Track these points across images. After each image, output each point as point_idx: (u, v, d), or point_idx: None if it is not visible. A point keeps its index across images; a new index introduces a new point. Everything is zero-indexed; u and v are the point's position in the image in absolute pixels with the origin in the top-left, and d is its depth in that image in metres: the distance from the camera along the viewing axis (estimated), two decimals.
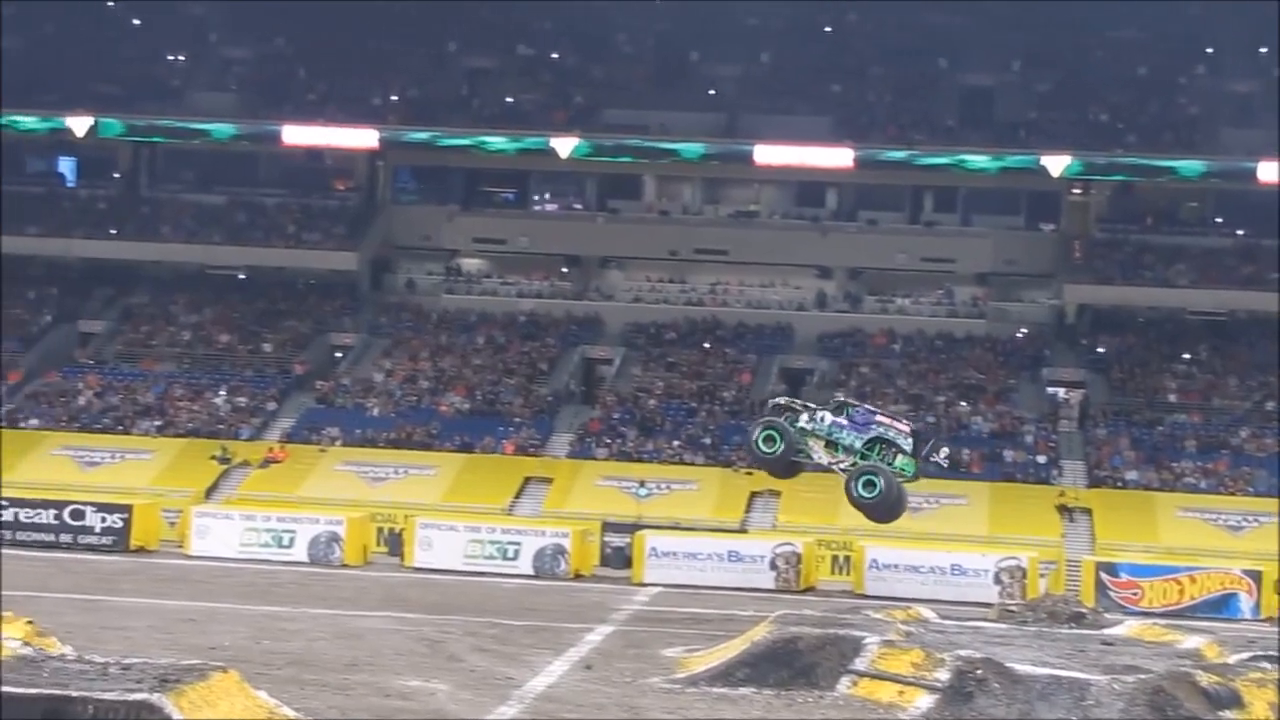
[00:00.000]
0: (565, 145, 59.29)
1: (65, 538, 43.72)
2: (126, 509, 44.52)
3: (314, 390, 57.18)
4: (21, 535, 43.56)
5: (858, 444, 33.57)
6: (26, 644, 22.00)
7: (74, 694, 19.26)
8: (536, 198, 66.90)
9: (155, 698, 19.18)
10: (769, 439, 33.65)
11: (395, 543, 45.13)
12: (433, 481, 50.94)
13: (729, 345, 60.00)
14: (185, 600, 35.43)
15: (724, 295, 62.57)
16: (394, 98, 64.71)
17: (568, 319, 61.95)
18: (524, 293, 63.58)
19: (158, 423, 54.55)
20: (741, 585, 41.88)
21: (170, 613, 33.38)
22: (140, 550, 43.40)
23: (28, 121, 61.61)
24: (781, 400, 35.21)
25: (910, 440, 33.65)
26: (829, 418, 33.85)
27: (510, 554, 43.41)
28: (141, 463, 51.75)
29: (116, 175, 66.90)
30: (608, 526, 46.38)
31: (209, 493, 50.10)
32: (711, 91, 65.81)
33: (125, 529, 43.93)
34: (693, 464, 52.21)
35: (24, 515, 44.10)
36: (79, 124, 60.19)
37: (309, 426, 54.51)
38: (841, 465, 33.29)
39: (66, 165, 67.99)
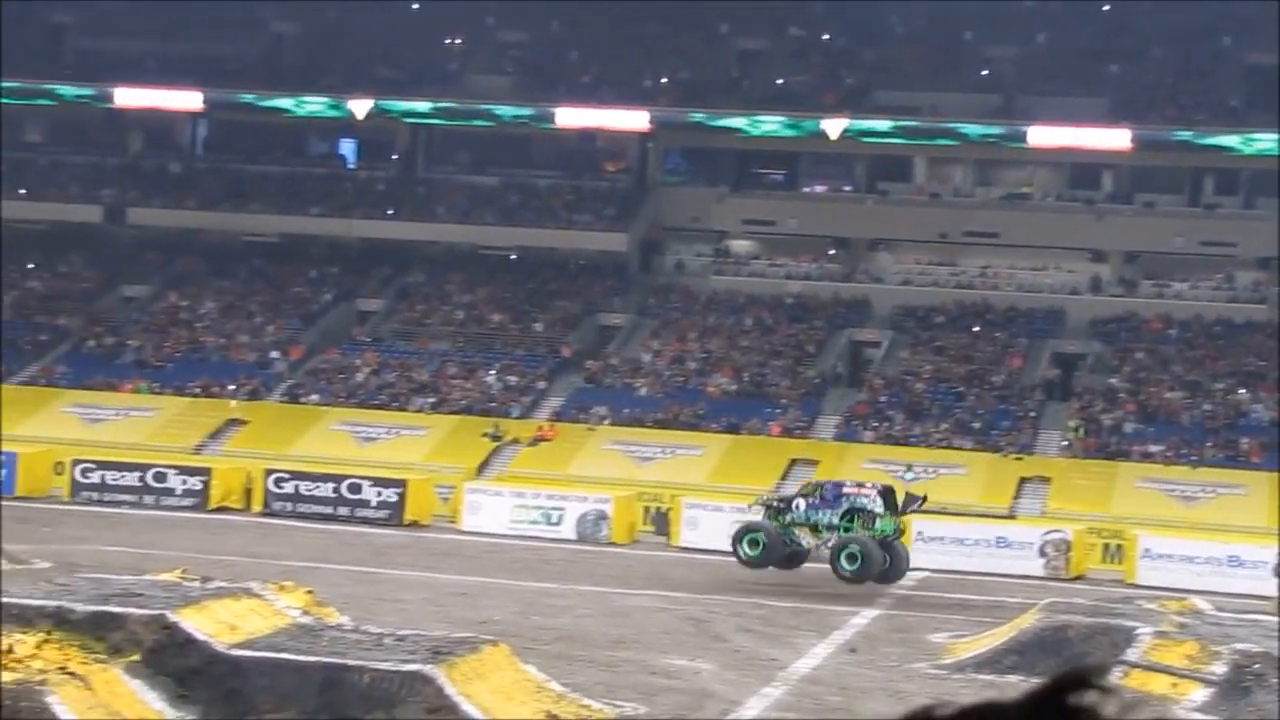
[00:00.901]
0: (836, 127, 59.01)
1: (343, 511, 44.80)
2: (401, 484, 45.49)
3: (583, 370, 57.80)
4: (302, 508, 44.79)
5: (835, 519, 35.72)
6: (306, 613, 22.60)
7: (350, 663, 19.77)
8: (806, 179, 66.74)
9: (428, 669, 19.59)
10: (752, 543, 35.90)
11: (662, 522, 45.40)
12: (699, 461, 51.12)
13: (999, 329, 59.19)
14: (457, 575, 36.11)
15: (994, 279, 61.73)
16: (665, 80, 65.05)
17: (835, 301, 61.70)
18: (792, 275, 63.46)
19: (432, 400, 55.63)
20: (1009, 572, 41.29)
21: (442, 586, 34.05)
22: (414, 525, 44.33)
23: (311, 105, 63.31)
24: (769, 501, 37.37)
25: (880, 501, 36.01)
26: (803, 504, 36.34)
27: None
28: (416, 439, 52.80)
29: (394, 157, 68.39)
30: None
31: (480, 469, 50.94)
32: (985, 73, 64.95)
33: (400, 503, 44.88)
34: (961, 448, 51.62)
35: (304, 488, 45.32)
36: (359, 107, 61.61)
37: (578, 405, 55.12)
38: (829, 544, 35.60)
39: (347, 147, 69.70)
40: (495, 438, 52.61)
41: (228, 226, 65.44)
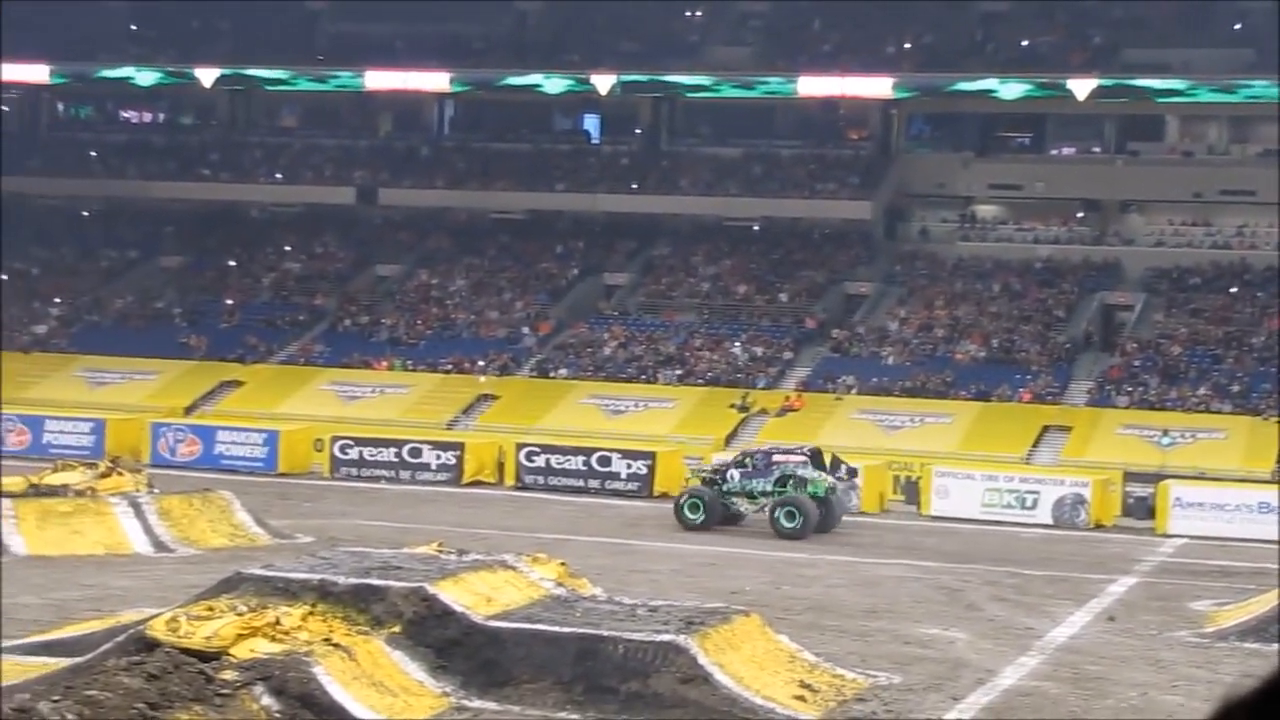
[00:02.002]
0: (1083, 87, 57.89)
1: (593, 483, 45.23)
2: (650, 456, 45.80)
3: (829, 339, 57.61)
4: (553, 480, 45.33)
5: (769, 486, 38.50)
6: (560, 584, 22.89)
7: (605, 633, 19.98)
8: (1053, 142, 65.62)
9: (681, 639, 19.73)
10: (693, 508, 38.71)
11: (911, 490, 45.09)
12: (949, 429, 50.66)
13: (1258, 290, 57.60)
14: (706, 545, 36.26)
15: (1252, 238, 60.09)
16: (907, 45, 64.40)
17: (1085, 265, 60.63)
18: (1040, 239, 62.50)
19: (679, 372, 55.89)
20: (1273, 538, 40.17)
21: (692, 557, 34.22)
22: (664, 496, 44.55)
23: (555, 86, 63.86)
24: (708, 473, 39.95)
25: (809, 464, 38.73)
26: (737, 474, 39.01)
27: (1028, 503, 42.83)
28: (664, 411, 53.09)
29: (638, 131, 68.74)
30: (1129, 476, 45.24)
31: (729, 440, 51.04)
32: (1238, 26, 63.14)
33: (649, 475, 45.19)
34: (1219, 412, 50.41)
35: (555, 461, 45.86)
36: (602, 82, 62.03)
37: (825, 375, 54.96)
38: (766, 509, 38.10)
39: (591, 123, 70.24)
40: (743, 408, 52.70)
41: (475, 204, 66.42)
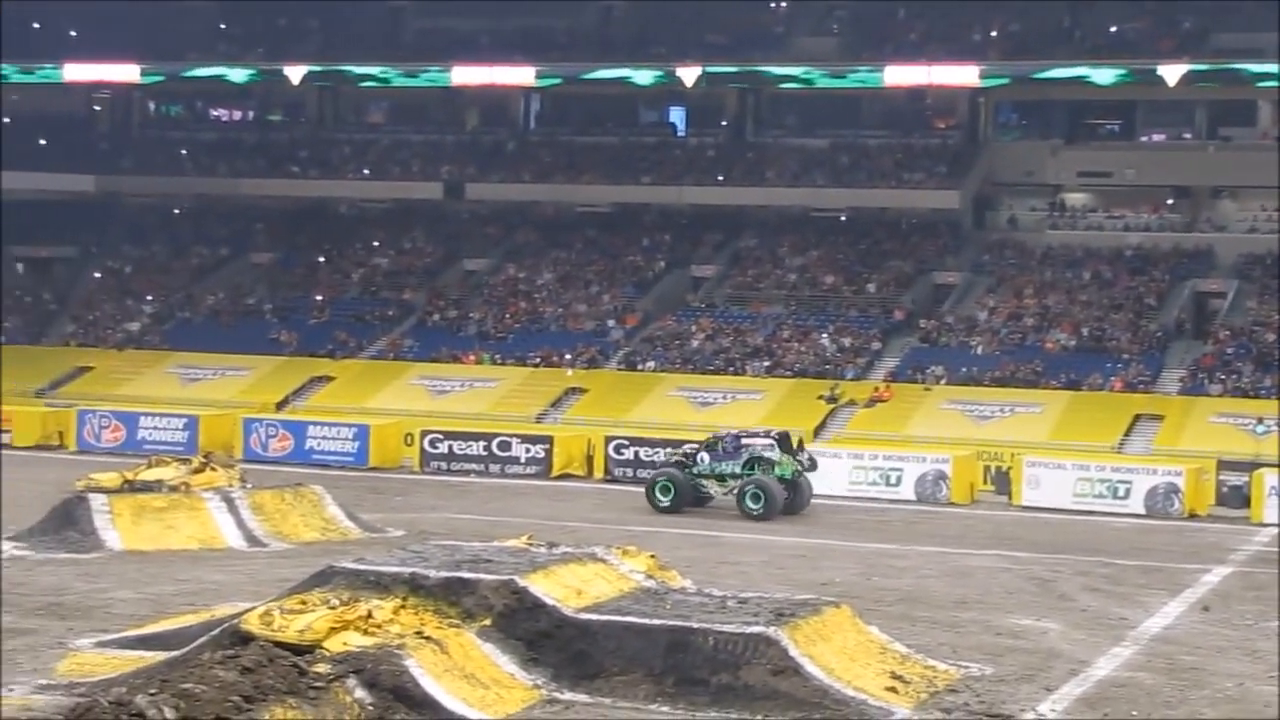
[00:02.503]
0: (1174, 73, 57.27)
1: None
2: None
3: (918, 329, 57.36)
4: (642, 473, 45.19)
5: (737, 469, 39.36)
6: (650, 577, 22.90)
7: (695, 626, 19.98)
8: (1143, 128, 64.99)
9: (772, 631, 19.70)
10: (664, 490, 39.52)
11: (1002, 481, 44.81)
12: (1039, 419, 50.34)
13: None
14: (796, 537, 36.20)
15: None
16: (994, 33, 63.96)
17: (1177, 252, 60.04)
18: (1131, 226, 61.96)
19: (766, 363, 55.83)
20: None
21: (782, 549, 34.17)
22: None
23: (641, 78, 63.88)
24: (679, 456, 40.72)
25: (776, 447, 39.57)
26: (706, 457, 39.88)
27: (1121, 492, 42.47)
28: (752, 402, 53.04)
29: (724, 123, 68.65)
30: (1223, 464, 44.76)
31: (817, 431, 50.94)
32: None
33: None
34: None
35: (643, 454, 45.86)
36: (688, 74, 61.99)
37: (913, 365, 54.73)
38: (734, 491, 39.10)
39: (676, 115, 70.19)
40: (831, 400, 52.57)
41: (562, 198, 66.58)
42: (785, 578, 29.58)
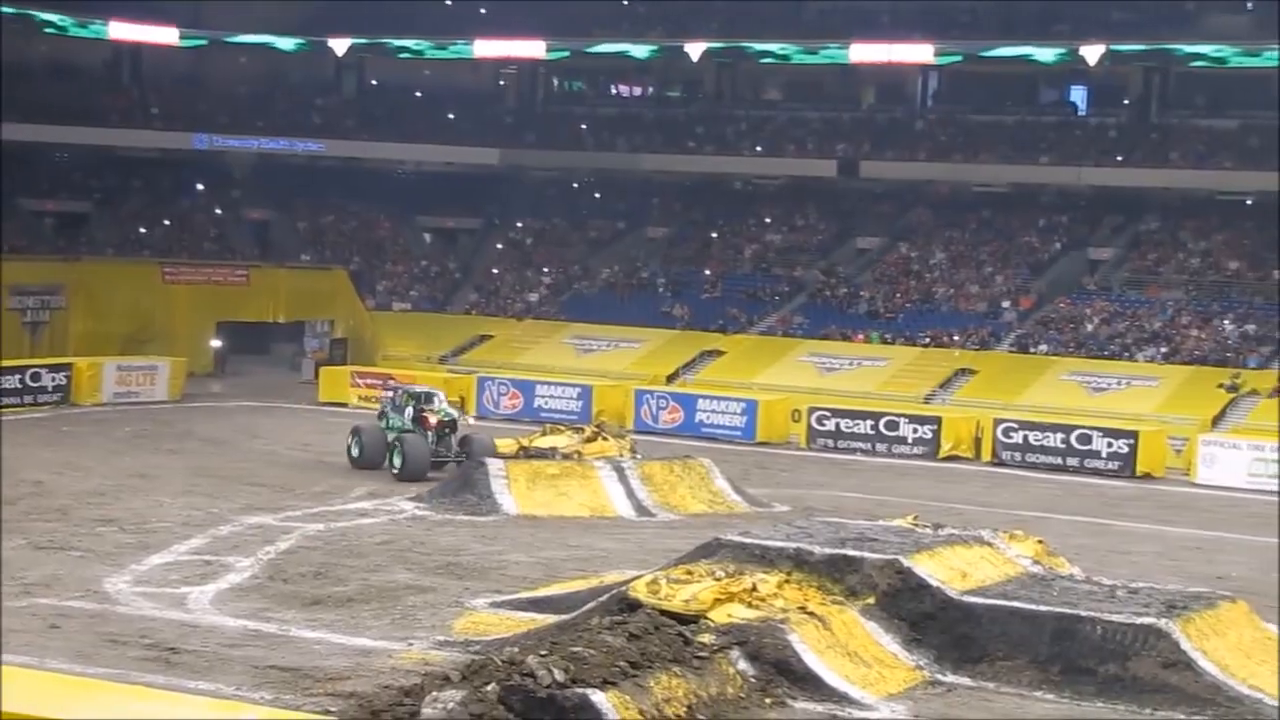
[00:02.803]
0: None
1: (1072, 461, 44.35)
2: (1133, 435, 44.64)
3: None
4: (1031, 457, 44.67)
5: (405, 422, 37.04)
6: (1037, 562, 22.60)
7: (1083, 614, 19.64)
8: None
9: (1163, 623, 19.25)
10: (355, 445, 37.48)
11: None
12: None
13: None
14: (1190, 528, 35.22)
15: None
16: None
17: None
18: None
19: (1163, 349, 54.37)
20: None
21: (1175, 540, 33.30)
22: (1146, 476, 43.45)
23: (1044, 56, 62.82)
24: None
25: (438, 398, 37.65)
26: (388, 408, 37.90)
27: None
28: (1147, 389, 51.73)
29: (1126, 102, 66.99)
30: None
31: (1215, 421, 49.40)
32: None
33: (1131, 455, 44.03)
34: None
35: (1033, 438, 45.17)
36: (1091, 52, 60.61)
37: None
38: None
39: (1078, 94, 68.75)
40: (1232, 389, 50.91)
41: (958, 177, 65.87)
42: (1178, 569, 28.82)
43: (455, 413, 37.38)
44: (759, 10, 67.28)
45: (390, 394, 38.58)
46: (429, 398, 37.33)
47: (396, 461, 35.76)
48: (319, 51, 69.53)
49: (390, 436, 36.63)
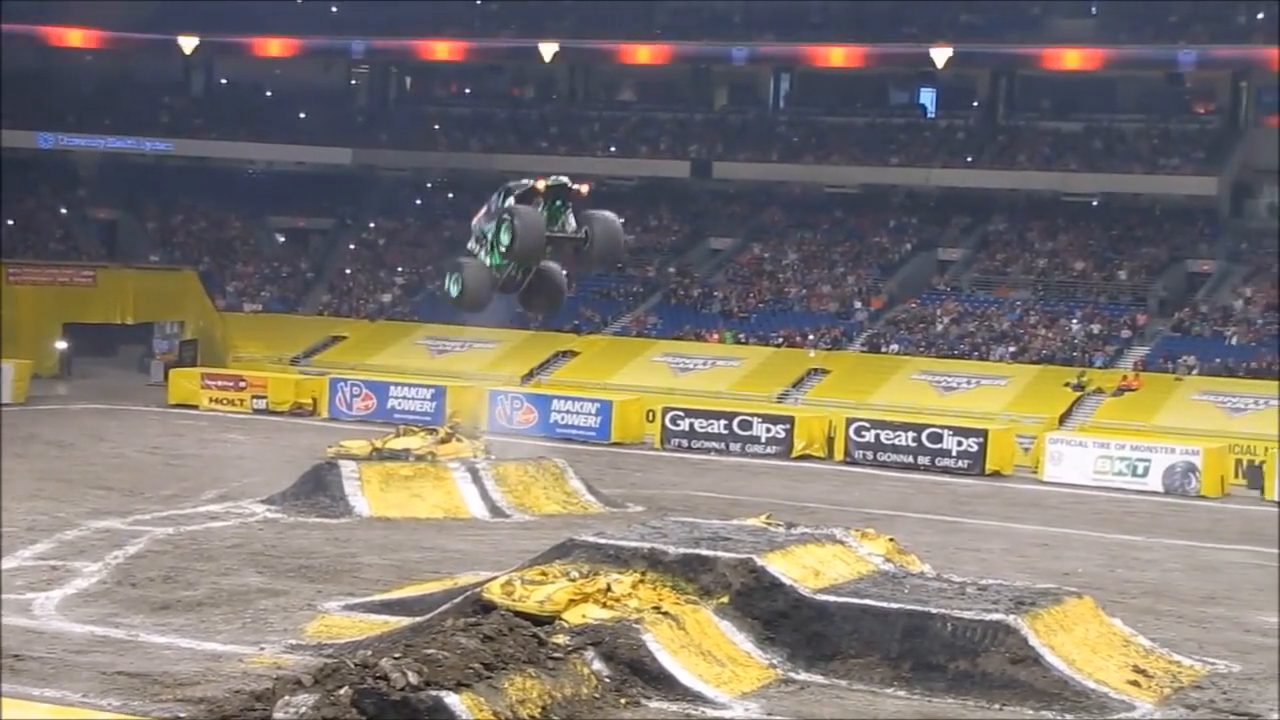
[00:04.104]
0: None
1: (923, 460, 44.85)
2: (982, 433, 45.23)
3: (1170, 318, 56.19)
4: (882, 456, 45.11)
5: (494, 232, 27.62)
6: (888, 560, 22.79)
7: (933, 611, 19.85)
8: None
9: (1011, 619, 19.49)
10: (455, 280, 28.00)
11: (1255, 475, 43.66)
12: None
13: None
14: (1038, 525, 35.72)
15: None
16: (1260, 15, 62.20)
17: None
18: None
19: (1012, 349, 55.14)
20: None
21: (1023, 537, 33.76)
22: (995, 474, 44.04)
23: (892, 55, 63.49)
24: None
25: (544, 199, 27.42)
26: (482, 218, 28.25)
27: None
28: (997, 388, 52.44)
29: (975, 104, 67.86)
30: None
31: (1062, 419, 50.18)
32: None
33: (981, 453, 44.62)
34: None
35: (884, 437, 45.62)
36: (940, 55, 61.34)
37: (1164, 354, 53.62)
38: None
39: (927, 96, 69.56)
40: (1078, 387, 51.75)
41: (809, 178, 66.39)
42: (1026, 566, 29.23)
43: (565, 178, 27.90)
44: (612, 10, 67.37)
45: (481, 211, 28.41)
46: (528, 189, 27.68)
47: (504, 237, 26.80)
48: (166, 49, 68.65)
49: (492, 261, 27.59)
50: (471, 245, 28.17)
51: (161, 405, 50.74)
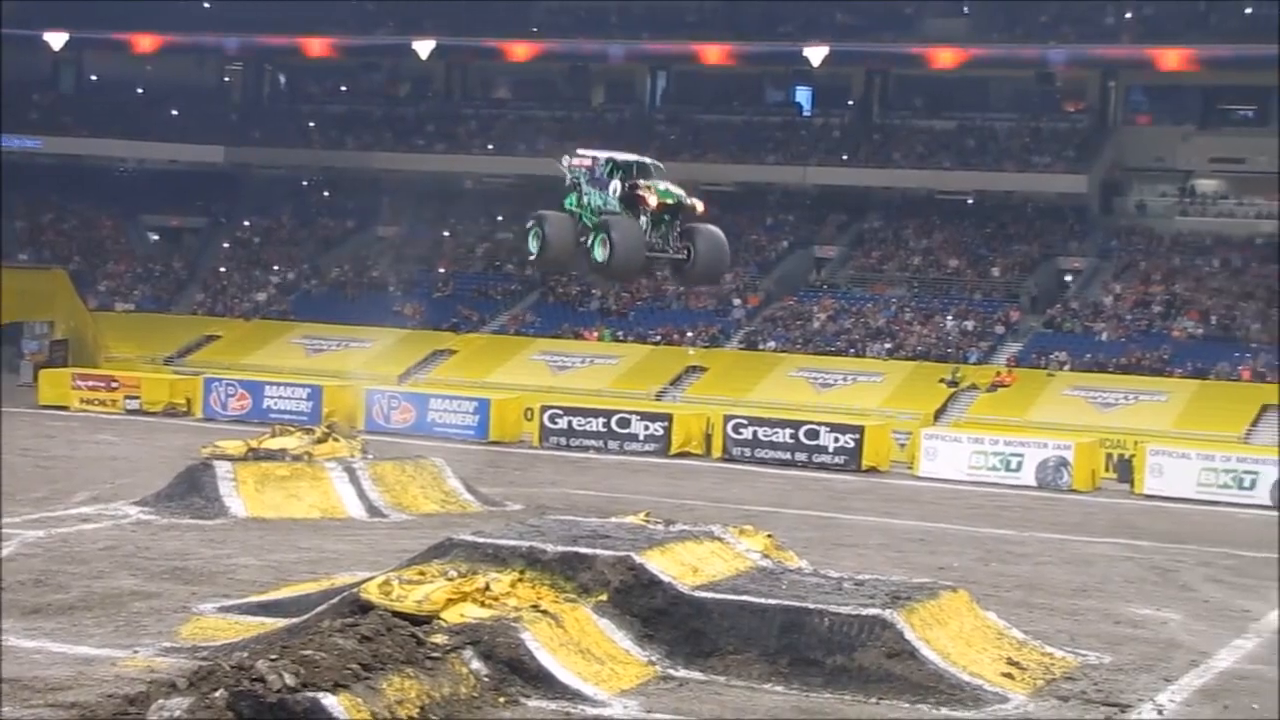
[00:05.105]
0: None
1: (800, 456, 45.12)
2: (859, 430, 45.58)
3: (1042, 314, 56.90)
4: (760, 453, 45.32)
5: (610, 200, 26.14)
6: (766, 556, 22.89)
7: (811, 606, 19.96)
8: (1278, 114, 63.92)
9: (887, 613, 19.64)
10: (534, 234, 26.26)
11: (1125, 469, 44.34)
12: (1164, 408, 49.75)
13: None
14: (914, 520, 36.02)
15: None
16: (1128, 15, 63.16)
17: None
18: (1263, 214, 61.02)
19: (888, 345, 55.59)
20: None
21: (900, 532, 34.03)
22: (871, 470, 44.39)
23: (768, 53, 63.75)
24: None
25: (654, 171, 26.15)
26: (582, 182, 26.68)
27: (1246, 483, 41.89)
28: (873, 385, 52.84)
29: (850, 103, 68.34)
30: None
31: (938, 415, 50.67)
32: None
33: (857, 449, 44.96)
34: None
35: (762, 434, 45.85)
36: (815, 54, 61.69)
37: (1037, 350, 54.28)
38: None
39: (803, 95, 69.95)
40: (952, 383, 52.27)
41: (686, 176, 65.69)
42: (902, 561, 29.46)
43: (680, 192, 26.08)
44: (488, 8, 67.18)
45: (585, 163, 26.97)
46: (643, 169, 26.44)
47: (599, 252, 25.18)
48: (34, 45, 67.64)
49: (588, 221, 26.07)
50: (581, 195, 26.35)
51: (31, 406, 49.99)
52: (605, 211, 25.71)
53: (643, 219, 25.39)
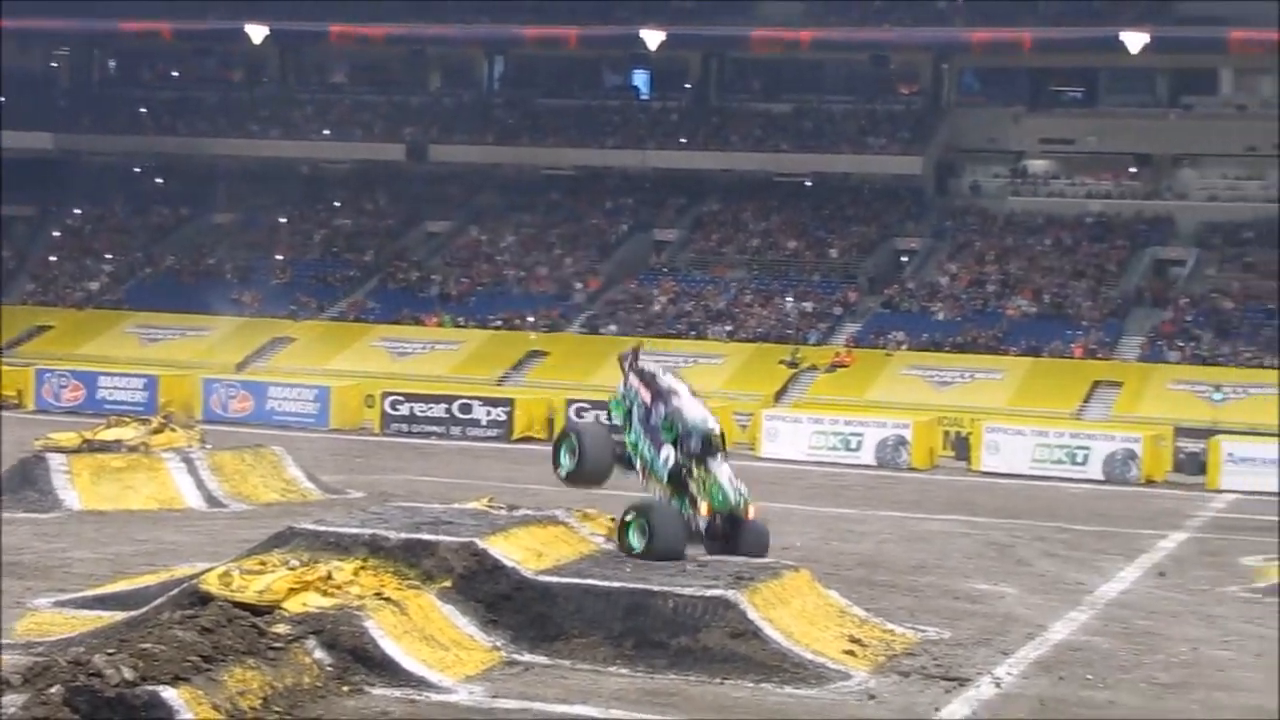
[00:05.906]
0: (1136, 40, 57.38)
1: None
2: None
3: (880, 295, 57.53)
4: None
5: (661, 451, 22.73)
6: (610, 540, 22.90)
7: (655, 589, 20.01)
8: (1105, 96, 65.14)
9: (731, 594, 19.74)
10: (569, 449, 23.29)
11: (962, 446, 44.99)
12: (999, 385, 50.56)
13: None
14: (755, 501, 36.19)
15: None
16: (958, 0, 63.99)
17: (1138, 219, 60.32)
18: (1093, 193, 62.20)
19: (728, 327, 55.90)
20: None
21: None
22: None
23: (605, 37, 63.74)
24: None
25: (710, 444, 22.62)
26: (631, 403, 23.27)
27: (1079, 459, 42.69)
28: (713, 366, 53.12)
29: (687, 86, 68.58)
30: (1181, 431, 45.05)
31: (778, 396, 51.08)
32: None
33: None
34: (1272, 367, 50.11)
35: (602, 417, 45.79)
36: (652, 37, 61.85)
37: (875, 330, 54.89)
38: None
39: (640, 79, 70.10)
40: (793, 365, 52.69)
41: (525, 160, 66.43)
42: None
43: (735, 497, 22.56)
44: None
45: (645, 396, 23.07)
46: (707, 444, 22.54)
47: (635, 540, 21.62)
48: None
49: (630, 455, 23.07)
50: (615, 417, 23.46)
51: None
52: (651, 475, 22.53)
53: (694, 516, 22.14)
